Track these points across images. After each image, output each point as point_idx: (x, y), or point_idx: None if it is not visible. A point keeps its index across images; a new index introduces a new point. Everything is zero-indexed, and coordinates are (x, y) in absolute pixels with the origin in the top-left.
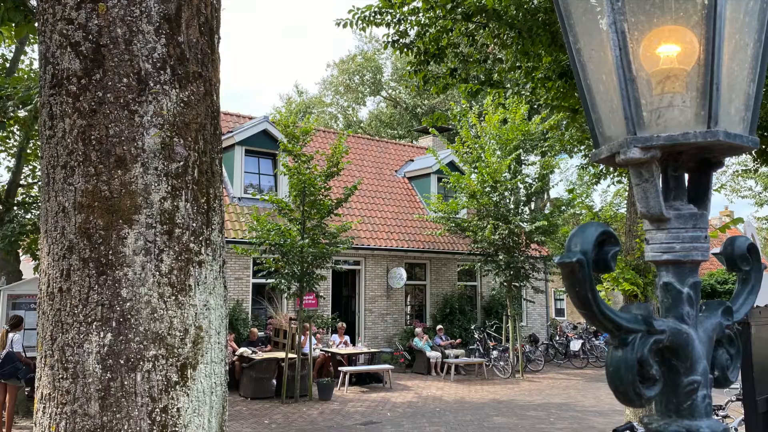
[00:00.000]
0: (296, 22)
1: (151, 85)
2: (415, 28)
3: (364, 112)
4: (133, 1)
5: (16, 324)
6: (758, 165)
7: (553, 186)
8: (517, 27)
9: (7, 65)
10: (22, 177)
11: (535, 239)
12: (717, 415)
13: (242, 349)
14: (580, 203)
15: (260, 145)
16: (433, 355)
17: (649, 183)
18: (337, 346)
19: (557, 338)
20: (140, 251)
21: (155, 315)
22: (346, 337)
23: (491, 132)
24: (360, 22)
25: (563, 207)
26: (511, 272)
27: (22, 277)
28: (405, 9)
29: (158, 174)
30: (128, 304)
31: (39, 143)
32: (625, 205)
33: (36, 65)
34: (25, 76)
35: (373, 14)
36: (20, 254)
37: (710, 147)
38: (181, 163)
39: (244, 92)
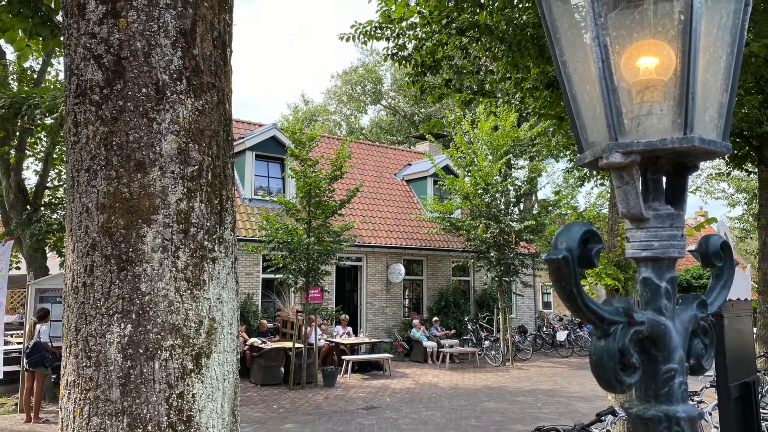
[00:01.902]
0: (301, 32)
1: (168, 94)
2: (413, 41)
3: (365, 120)
4: (151, 17)
5: (43, 316)
6: (730, 169)
7: (540, 188)
8: (508, 41)
9: (35, 76)
10: (48, 180)
11: (524, 237)
12: (692, 401)
13: (252, 340)
14: (565, 204)
15: (269, 151)
16: (430, 344)
17: (630, 185)
18: (341, 336)
19: (544, 329)
20: (158, 249)
21: (172, 308)
22: (349, 328)
23: (483, 138)
24: (362, 36)
25: (550, 208)
26: (502, 268)
27: (49, 272)
28: (403, 24)
29: (175, 177)
30: (147, 297)
31: (64, 148)
32: (607, 206)
33: (61, 76)
34: (51, 86)
35: (373, 29)
36: (47, 251)
37: (686, 152)
38: (196, 167)
39: (253, 99)
